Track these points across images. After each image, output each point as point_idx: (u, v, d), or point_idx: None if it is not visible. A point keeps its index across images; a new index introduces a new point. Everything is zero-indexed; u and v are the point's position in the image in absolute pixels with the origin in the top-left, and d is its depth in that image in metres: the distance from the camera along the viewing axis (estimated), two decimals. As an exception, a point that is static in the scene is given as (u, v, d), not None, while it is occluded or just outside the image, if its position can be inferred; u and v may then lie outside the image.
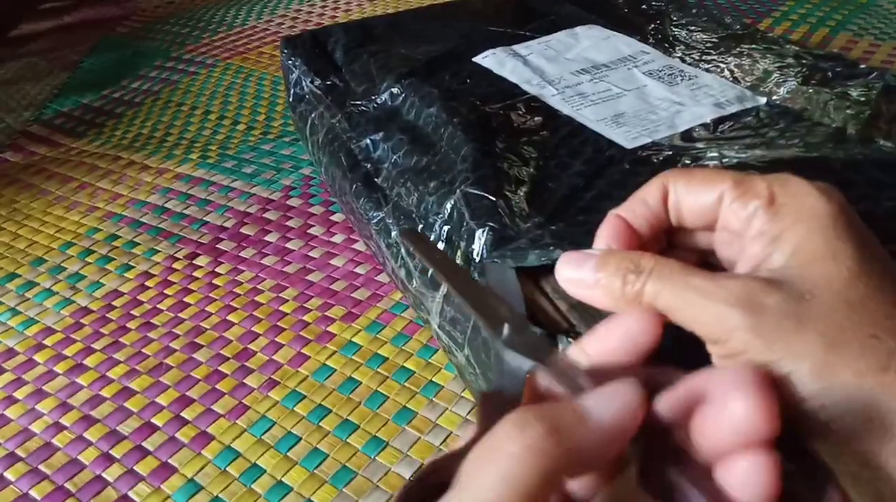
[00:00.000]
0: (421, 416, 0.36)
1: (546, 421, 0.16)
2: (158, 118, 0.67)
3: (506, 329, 0.20)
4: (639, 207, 0.23)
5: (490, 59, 0.48)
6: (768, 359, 0.19)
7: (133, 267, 0.49)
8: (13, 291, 0.48)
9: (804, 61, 0.44)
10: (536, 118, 0.41)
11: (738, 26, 0.50)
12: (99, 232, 0.52)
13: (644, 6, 0.55)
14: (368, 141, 0.44)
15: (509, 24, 0.54)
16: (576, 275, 0.22)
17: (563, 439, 0.15)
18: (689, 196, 0.22)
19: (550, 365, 0.19)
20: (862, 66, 0.42)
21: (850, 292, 0.19)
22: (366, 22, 0.58)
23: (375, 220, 0.40)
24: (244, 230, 0.51)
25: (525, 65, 0.47)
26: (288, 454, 0.35)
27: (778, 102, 0.40)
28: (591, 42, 0.49)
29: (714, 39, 0.48)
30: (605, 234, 0.23)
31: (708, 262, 0.24)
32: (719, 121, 0.39)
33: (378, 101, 0.47)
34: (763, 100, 0.41)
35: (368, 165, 0.43)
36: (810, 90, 0.41)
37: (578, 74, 0.45)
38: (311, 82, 0.51)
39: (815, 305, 0.19)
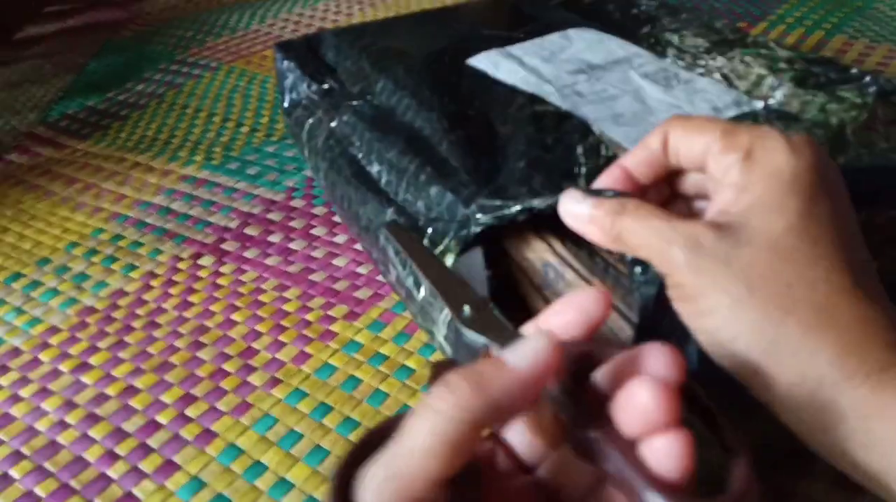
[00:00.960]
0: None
1: (470, 378, 0.18)
2: (163, 120, 0.68)
3: (466, 309, 0.23)
4: (641, 151, 0.26)
5: (484, 61, 0.47)
6: (697, 293, 0.22)
7: (137, 267, 0.49)
8: (18, 291, 0.48)
9: (796, 65, 0.44)
10: (538, 113, 0.41)
11: (728, 31, 0.50)
12: (104, 232, 0.53)
13: (635, 11, 0.55)
14: (366, 143, 0.44)
15: (502, 27, 0.53)
16: (575, 209, 0.25)
17: (484, 392, 0.18)
18: (684, 141, 0.25)
19: (505, 341, 0.21)
20: (854, 71, 0.43)
21: (781, 242, 0.22)
22: (358, 26, 0.58)
23: (381, 227, 0.40)
24: (248, 231, 0.51)
25: (521, 65, 0.46)
26: (291, 451, 0.36)
27: (774, 106, 0.41)
28: (585, 44, 0.49)
29: (706, 44, 0.48)
30: (606, 180, 0.26)
31: (698, 208, 0.27)
32: None
33: (374, 101, 0.46)
34: (760, 104, 0.41)
35: (370, 169, 0.43)
36: (806, 94, 0.41)
37: (574, 74, 0.45)
38: (308, 87, 0.51)
39: (747, 251, 0.22)
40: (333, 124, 0.47)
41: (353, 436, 0.36)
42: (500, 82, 0.45)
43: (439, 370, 0.20)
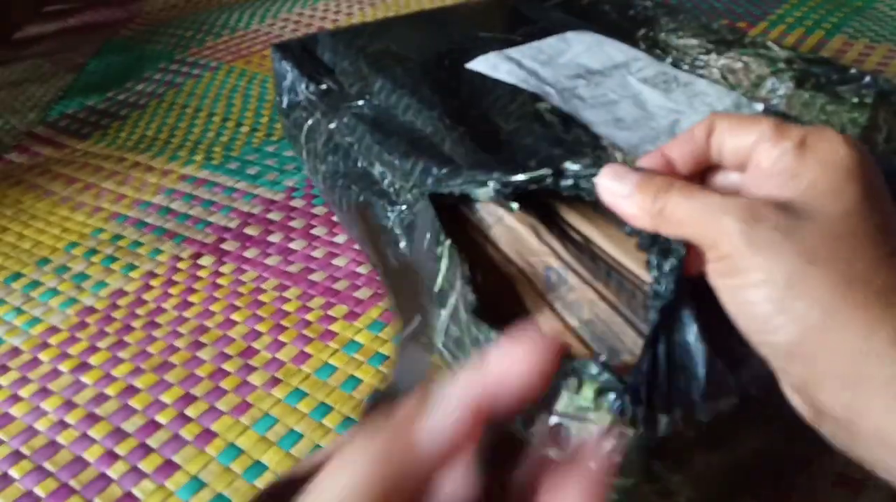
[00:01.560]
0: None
1: (382, 448, 0.17)
2: (163, 120, 0.68)
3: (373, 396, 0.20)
4: (685, 142, 0.26)
5: (483, 64, 0.47)
6: (749, 265, 0.22)
7: (137, 266, 0.49)
8: (18, 291, 0.48)
9: (795, 66, 0.44)
10: (541, 110, 0.41)
11: (726, 31, 0.50)
12: (104, 232, 0.53)
13: (632, 11, 0.55)
14: (368, 145, 0.43)
15: (499, 29, 0.53)
16: (615, 185, 0.25)
17: (393, 466, 0.16)
18: (731, 135, 0.25)
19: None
20: (853, 71, 0.43)
21: (840, 225, 0.22)
22: (354, 27, 0.57)
23: (385, 230, 0.40)
24: (248, 230, 0.51)
25: (520, 68, 0.46)
26: (291, 451, 0.36)
27: (775, 108, 0.40)
28: (583, 47, 0.49)
29: (707, 45, 0.48)
30: (647, 162, 0.26)
31: None
32: None
33: (374, 101, 0.46)
34: (760, 106, 0.41)
35: (372, 171, 0.43)
36: (806, 95, 0.41)
37: (573, 79, 0.45)
38: (306, 87, 0.50)
39: (805, 227, 0.22)
40: (333, 126, 0.46)
41: (353, 436, 0.36)
42: (500, 82, 0.44)
43: (368, 409, 0.19)
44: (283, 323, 0.43)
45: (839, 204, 0.22)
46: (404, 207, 0.39)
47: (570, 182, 0.30)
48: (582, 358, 0.26)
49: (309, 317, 0.43)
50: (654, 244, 0.25)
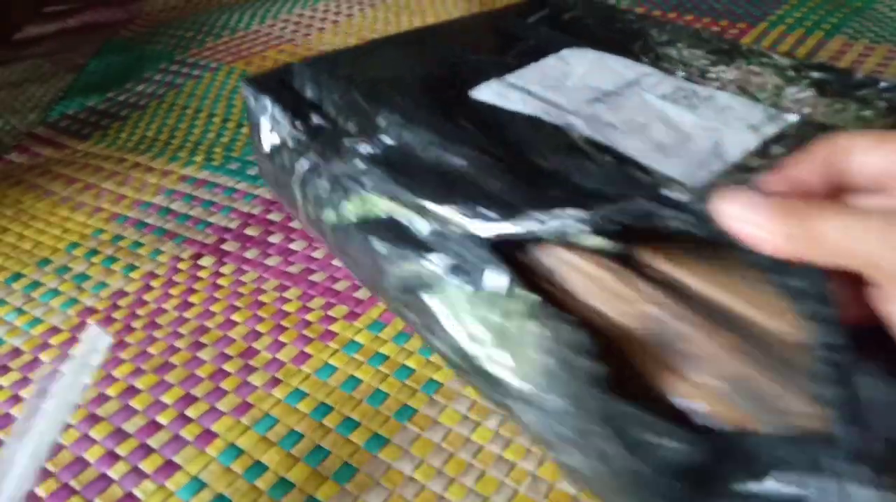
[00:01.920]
0: (421, 413, 0.37)
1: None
2: (163, 121, 0.68)
3: None
4: (811, 161, 0.23)
5: (489, 93, 0.43)
6: None
7: (138, 267, 0.49)
8: (19, 291, 0.48)
9: (802, 72, 0.43)
10: (576, 143, 0.37)
11: (716, 40, 0.49)
12: (104, 232, 0.53)
13: (619, 25, 0.53)
14: (388, 190, 0.37)
15: (489, 50, 0.49)
16: (745, 212, 0.22)
17: None
18: (870, 154, 0.22)
19: None
20: (860, 76, 0.42)
21: None
22: (331, 55, 0.51)
23: (433, 283, 0.34)
24: (248, 231, 0.51)
25: (531, 96, 0.42)
26: (291, 451, 0.36)
27: (807, 118, 0.38)
28: (586, 67, 0.46)
29: (709, 56, 0.47)
30: (774, 186, 0.23)
31: None
32: (765, 145, 0.36)
33: (382, 138, 0.40)
34: (794, 117, 0.39)
35: (399, 219, 0.36)
36: (833, 102, 0.39)
37: (592, 103, 0.41)
38: (292, 126, 0.44)
39: None
40: (337, 169, 0.40)
41: (354, 436, 0.36)
42: (516, 113, 0.41)
43: None
44: (284, 323, 0.43)
45: None
46: (449, 260, 0.33)
47: (671, 213, 0.26)
48: (740, 422, 0.24)
49: (309, 317, 0.43)
50: (790, 274, 0.22)
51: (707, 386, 0.25)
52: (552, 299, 0.29)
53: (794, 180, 0.23)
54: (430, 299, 0.34)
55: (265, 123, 0.46)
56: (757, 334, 0.26)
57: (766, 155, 0.36)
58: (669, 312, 0.27)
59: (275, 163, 0.46)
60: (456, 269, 0.32)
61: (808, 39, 0.70)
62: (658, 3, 0.81)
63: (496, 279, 0.30)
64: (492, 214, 0.32)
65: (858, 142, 0.23)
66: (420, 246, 0.35)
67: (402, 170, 0.37)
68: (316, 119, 0.44)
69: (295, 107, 0.45)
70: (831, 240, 0.21)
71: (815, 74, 0.43)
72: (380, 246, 0.36)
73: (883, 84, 0.41)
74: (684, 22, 0.76)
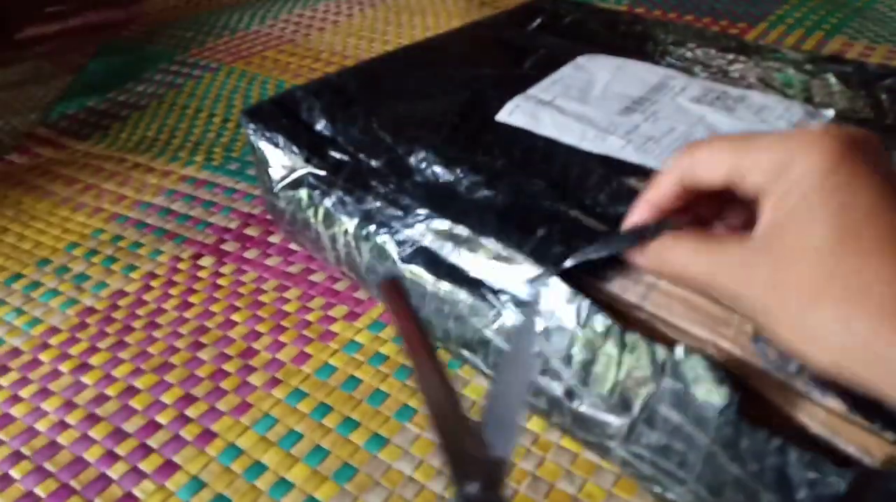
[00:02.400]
0: (421, 413, 0.37)
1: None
2: (163, 121, 0.68)
3: (471, 486, 0.18)
4: (675, 178, 0.26)
5: (518, 115, 0.41)
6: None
7: (138, 267, 0.49)
8: (19, 291, 0.48)
9: (818, 66, 0.42)
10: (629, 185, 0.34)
11: (723, 38, 0.48)
12: (104, 232, 0.53)
13: (623, 27, 0.52)
14: (434, 227, 0.36)
15: (502, 64, 0.48)
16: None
17: None
18: (712, 163, 0.24)
19: None
20: (879, 67, 0.42)
21: (815, 245, 0.21)
22: (335, 78, 0.48)
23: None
24: (248, 231, 0.51)
25: (561, 113, 0.40)
26: (291, 451, 0.36)
27: (845, 114, 0.38)
28: (608, 73, 0.44)
29: (724, 54, 0.46)
30: (640, 211, 0.27)
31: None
32: None
33: (416, 178, 0.38)
34: (830, 112, 0.38)
35: (447, 260, 0.35)
36: (861, 95, 0.39)
37: (626, 114, 0.40)
38: (306, 160, 0.41)
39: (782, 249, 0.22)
40: (367, 206, 0.38)
41: (353, 436, 0.36)
42: (556, 142, 0.38)
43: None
44: (284, 323, 0.43)
45: (816, 227, 0.22)
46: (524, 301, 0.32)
47: None
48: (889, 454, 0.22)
49: (309, 317, 0.43)
50: None
51: (834, 411, 0.23)
52: (647, 328, 0.28)
53: (653, 203, 0.26)
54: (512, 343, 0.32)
55: (274, 159, 0.43)
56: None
57: None
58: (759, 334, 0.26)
59: (287, 202, 0.43)
60: (532, 309, 0.31)
61: (808, 39, 0.70)
62: (658, 3, 0.81)
63: (598, 321, 0.28)
64: (561, 247, 0.31)
65: (696, 155, 0.25)
66: (474, 285, 0.34)
67: (445, 212, 0.36)
68: (335, 154, 0.42)
69: (309, 142, 0.43)
70: (675, 264, 0.25)
71: (834, 67, 0.42)
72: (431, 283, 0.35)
73: None
74: (685, 22, 0.76)
